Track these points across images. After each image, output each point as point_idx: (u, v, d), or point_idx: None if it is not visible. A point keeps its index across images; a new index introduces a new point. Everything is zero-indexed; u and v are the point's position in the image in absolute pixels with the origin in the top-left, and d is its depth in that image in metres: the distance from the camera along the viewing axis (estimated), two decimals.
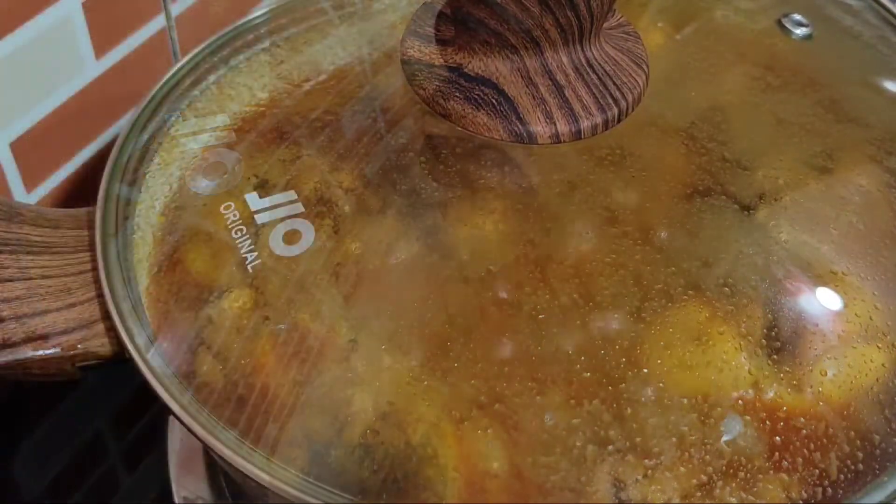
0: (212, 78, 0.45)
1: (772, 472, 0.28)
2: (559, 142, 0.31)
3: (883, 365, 0.29)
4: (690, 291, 0.31)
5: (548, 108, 0.31)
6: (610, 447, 0.29)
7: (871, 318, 0.30)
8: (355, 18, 0.38)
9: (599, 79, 0.31)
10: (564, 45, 0.31)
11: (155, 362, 0.36)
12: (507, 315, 0.34)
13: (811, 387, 0.29)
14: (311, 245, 0.35)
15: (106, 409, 0.54)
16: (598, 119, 0.31)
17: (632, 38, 0.33)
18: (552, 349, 0.32)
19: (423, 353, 0.34)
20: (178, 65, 0.45)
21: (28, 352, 0.37)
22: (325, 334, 0.36)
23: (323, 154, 0.33)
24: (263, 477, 0.33)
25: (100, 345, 0.37)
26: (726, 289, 0.31)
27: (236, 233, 0.36)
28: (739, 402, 0.29)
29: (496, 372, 0.33)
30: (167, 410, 0.34)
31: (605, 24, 0.32)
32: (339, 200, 0.32)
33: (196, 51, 0.45)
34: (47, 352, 0.37)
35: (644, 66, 0.32)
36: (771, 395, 0.29)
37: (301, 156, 0.33)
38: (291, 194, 0.37)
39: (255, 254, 0.36)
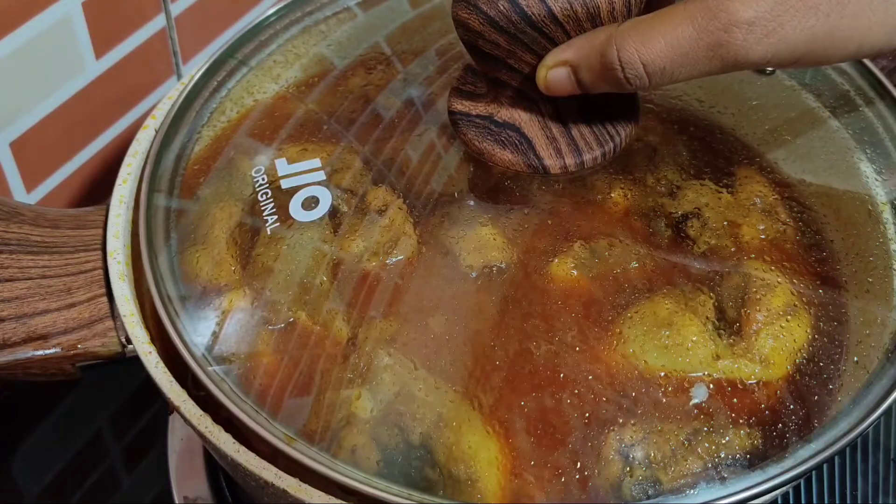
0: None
1: (734, 426, 0.34)
2: (567, 172, 0.39)
3: (801, 328, 0.37)
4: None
5: (558, 147, 0.39)
6: (615, 415, 0.35)
7: (792, 296, 0.38)
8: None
9: (599, 120, 0.39)
10: (571, 96, 0.38)
11: (157, 360, 0.36)
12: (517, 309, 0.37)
13: (757, 353, 0.36)
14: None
15: (106, 409, 0.54)
16: (598, 153, 0.39)
17: None
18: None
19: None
20: (202, 70, 0.44)
21: (28, 352, 0.37)
22: (327, 333, 0.36)
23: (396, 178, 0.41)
24: (265, 474, 0.33)
25: (100, 345, 0.37)
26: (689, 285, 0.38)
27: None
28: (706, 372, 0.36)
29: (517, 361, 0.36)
30: (170, 408, 0.34)
31: None
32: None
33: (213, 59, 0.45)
34: (47, 352, 0.37)
35: (634, 108, 0.40)
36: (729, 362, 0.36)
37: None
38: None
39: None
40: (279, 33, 0.48)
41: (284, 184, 0.40)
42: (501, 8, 0.35)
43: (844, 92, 0.45)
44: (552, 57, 0.37)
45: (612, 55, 0.34)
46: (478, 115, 0.40)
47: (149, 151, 0.42)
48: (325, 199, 0.39)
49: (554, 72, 0.37)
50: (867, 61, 0.45)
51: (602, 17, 0.36)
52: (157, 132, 0.42)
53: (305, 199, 0.39)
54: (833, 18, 0.32)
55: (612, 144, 0.39)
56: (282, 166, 0.41)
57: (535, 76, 0.37)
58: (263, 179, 0.40)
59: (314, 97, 0.45)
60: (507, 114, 0.39)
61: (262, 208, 0.39)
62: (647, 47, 0.34)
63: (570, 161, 0.39)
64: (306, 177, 0.40)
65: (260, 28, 0.47)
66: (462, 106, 0.40)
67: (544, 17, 0.35)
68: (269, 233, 0.38)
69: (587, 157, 0.39)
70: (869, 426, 0.34)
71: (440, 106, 0.43)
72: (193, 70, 0.45)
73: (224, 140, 0.43)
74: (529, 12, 0.35)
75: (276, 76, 0.46)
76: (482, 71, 0.39)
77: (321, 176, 0.40)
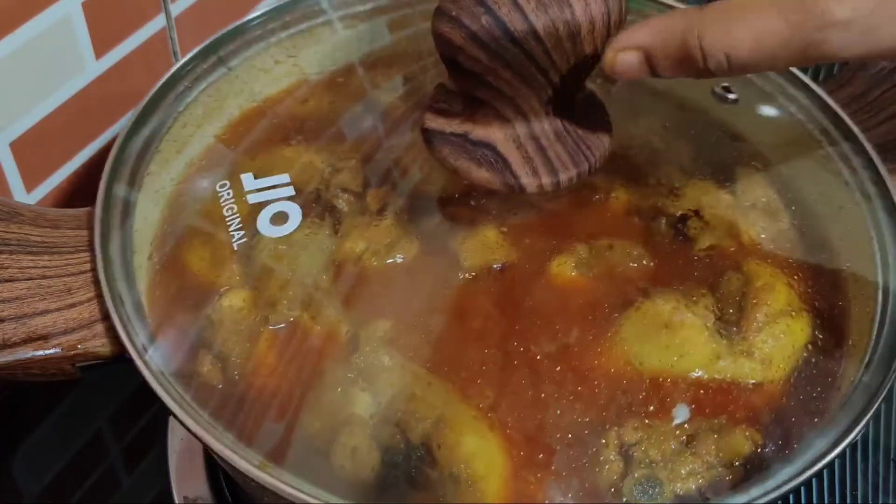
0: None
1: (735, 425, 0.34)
2: (543, 191, 0.38)
3: (801, 329, 0.37)
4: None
5: (534, 166, 0.38)
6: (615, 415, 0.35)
7: (789, 296, 0.38)
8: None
9: (574, 141, 0.39)
10: (546, 115, 0.39)
11: (155, 362, 0.36)
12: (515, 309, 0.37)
13: (757, 353, 0.36)
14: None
15: (106, 409, 0.54)
16: (573, 173, 0.38)
17: (599, 107, 0.41)
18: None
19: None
20: (176, 66, 0.44)
21: (28, 352, 0.37)
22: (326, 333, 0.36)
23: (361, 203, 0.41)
24: (263, 477, 0.33)
25: (100, 345, 0.37)
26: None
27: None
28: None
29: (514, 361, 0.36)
30: (167, 411, 0.34)
31: (579, 96, 0.40)
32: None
33: (193, 52, 0.45)
34: (47, 352, 0.37)
35: (608, 130, 0.40)
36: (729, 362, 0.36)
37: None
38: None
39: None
40: (264, 36, 0.47)
41: (251, 199, 0.40)
42: (484, 23, 0.35)
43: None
44: (624, 40, 0.35)
45: (694, 43, 0.33)
46: (452, 133, 0.39)
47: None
48: (295, 214, 0.39)
49: (625, 55, 0.35)
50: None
51: (582, 35, 0.36)
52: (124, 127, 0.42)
53: (274, 214, 0.39)
54: None
55: (586, 165, 0.39)
56: (248, 181, 0.41)
57: (604, 58, 0.36)
58: (229, 195, 0.40)
59: (306, 96, 0.45)
60: (482, 132, 0.39)
61: (229, 223, 0.39)
62: (732, 38, 0.32)
63: (546, 181, 0.38)
64: (274, 192, 0.40)
65: (243, 30, 0.47)
66: (436, 124, 0.40)
67: (526, 33, 0.35)
68: (235, 248, 0.38)
69: (563, 176, 0.38)
70: (867, 423, 0.34)
71: None
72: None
73: (191, 144, 0.43)
74: (512, 28, 0.35)
75: (258, 77, 0.46)
76: (459, 88, 0.39)
77: (290, 191, 0.40)
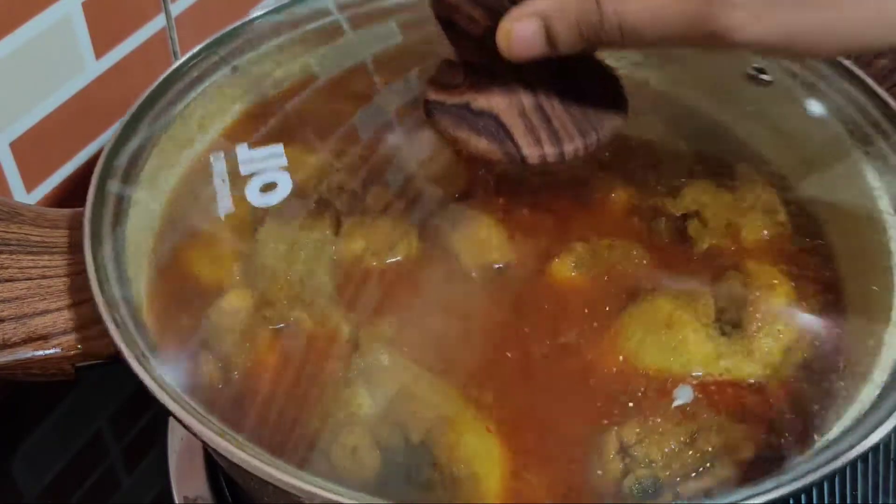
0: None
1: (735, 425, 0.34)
2: (546, 162, 0.37)
3: (801, 329, 0.37)
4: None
5: (537, 135, 0.37)
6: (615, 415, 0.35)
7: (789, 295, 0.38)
8: None
9: (582, 112, 0.37)
10: (552, 85, 0.37)
11: (154, 362, 0.36)
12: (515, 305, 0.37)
13: (757, 353, 0.36)
14: None
15: (106, 409, 0.54)
16: (579, 144, 0.37)
17: (614, 81, 0.40)
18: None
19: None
20: (172, 67, 0.44)
21: (28, 352, 0.37)
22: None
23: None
24: (270, 472, 0.33)
25: (100, 345, 0.37)
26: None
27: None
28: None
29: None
30: (166, 412, 0.34)
31: (592, 71, 0.39)
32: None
33: (190, 53, 0.45)
34: (47, 352, 0.37)
35: (621, 104, 0.38)
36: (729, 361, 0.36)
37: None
38: None
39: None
40: (268, 37, 0.47)
41: (243, 169, 0.39)
42: None
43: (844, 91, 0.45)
44: (520, 9, 0.34)
45: (591, 4, 0.32)
46: (453, 104, 0.38)
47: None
48: (285, 183, 0.38)
49: (521, 25, 0.34)
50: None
51: None
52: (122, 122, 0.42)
53: (264, 183, 0.39)
54: (826, 10, 0.31)
55: (594, 136, 0.37)
56: (242, 152, 0.40)
57: (498, 31, 0.34)
58: (221, 165, 0.40)
59: (308, 95, 0.45)
60: (484, 102, 0.37)
61: (217, 192, 0.38)
62: (625, 2, 0.32)
63: (549, 150, 0.36)
64: (266, 163, 0.39)
65: (245, 28, 0.47)
66: (437, 96, 0.38)
67: None
68: (221, 217, 0.38)
69: (567, 147, 0.36)
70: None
71: None
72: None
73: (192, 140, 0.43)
74: None
75: (258, 80, 0.46)
76: (458, 54, 0.38)
77: (282, 162, 0.39)
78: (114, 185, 0.40)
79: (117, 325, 0.36)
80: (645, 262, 0.38)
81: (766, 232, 0.40)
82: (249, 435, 0.34)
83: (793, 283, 0.38)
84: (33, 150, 0.51)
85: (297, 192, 0.40)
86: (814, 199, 0.42)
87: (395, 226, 0.39)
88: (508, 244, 0.38)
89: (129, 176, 0.41)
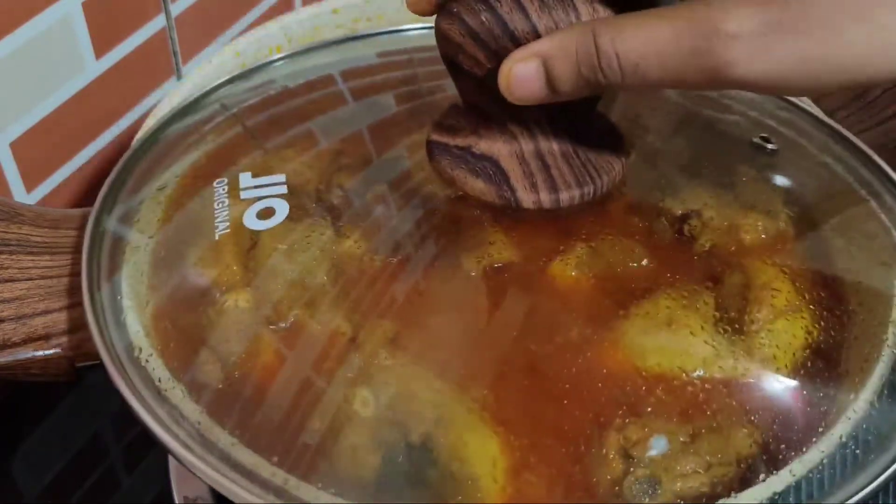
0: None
1: (736, 425, 0.34)
2: (541, 208, 0.38)
3: (803, 329, 0.37)
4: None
5: (534, 182, 0.38)
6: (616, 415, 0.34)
7: (790, 295, 0.38)
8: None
9: (582, 163, 0.39)
10: (553, 134, 0.38)
11: (152, 363, 0.36)
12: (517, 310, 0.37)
13: (758, 353, 0.36)
14: None
15: (106, 409, 0.54)
16: (576, 192, 0.38)
17: (614, 132, 0.41)
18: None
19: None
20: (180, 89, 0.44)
21: (29, 352, 0.37)
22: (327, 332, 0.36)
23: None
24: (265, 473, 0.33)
25: None
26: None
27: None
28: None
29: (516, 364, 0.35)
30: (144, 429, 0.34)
31: (593, 121, 0.41)
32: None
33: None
34: (48, 352, 0.37)
35: (621, 155, 0.40)
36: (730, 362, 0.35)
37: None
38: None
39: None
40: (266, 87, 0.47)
41: (243, 195, 0.40)
42: (483, 20, 0.35)
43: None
44: (521, 51, 0.35)
45: (590, 42, 0.33)
46: (455, 146, 0.39)
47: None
48: (282, 210, 0.39)
49: (522, 66, 0.34)
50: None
51: None
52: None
53: (261, 209, 0.39)
54: (828, 45, 0.30)
55: (591, 186, 0.38)
56: (245, 180, 0.41)
57: (499, 73, 0.35)
58: (224, 190, 0.40)
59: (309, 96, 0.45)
60: (485, 146, 0.39)
61: (216, 215, 0.39)
62: (623, 37, 0.32)
63: (544, 197, 0.38)
64: (267, 189, 0.40)
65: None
66: (441, 137, 0.40)
67: (528, 34, 0.35)
68: (217, 238, 0.38)
69: (564, 195, 0.38)
70: None
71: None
72: (193, 70, 0.45)
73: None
74: (512, 27, 0.35)
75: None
76: (462, 94, 0.39)
77: (283, 189, 0.40)
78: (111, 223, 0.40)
79: (100, 329, 0.36)
80: (645, 262, 0.38)
81: (766, 232, 0.40)
82: (248, 435, 0.34)
83: (793, 283, 0.38)
84: (33, 150, 0.51)
85: (292, 192, 0.40)
86: (814, 198, 0.42)
87: (395, 225, 0.39)
88: (508, 244, 0.38)
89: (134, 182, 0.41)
